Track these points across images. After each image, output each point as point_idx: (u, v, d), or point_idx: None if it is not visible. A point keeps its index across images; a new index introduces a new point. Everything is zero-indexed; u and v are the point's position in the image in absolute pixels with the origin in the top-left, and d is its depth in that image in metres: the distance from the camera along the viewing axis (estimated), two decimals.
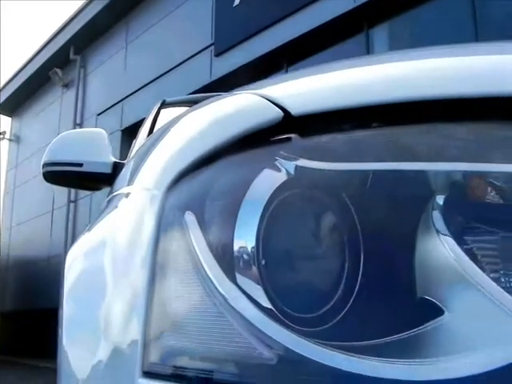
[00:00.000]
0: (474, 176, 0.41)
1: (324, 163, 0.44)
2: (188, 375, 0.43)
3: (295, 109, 0.45)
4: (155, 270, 0.49)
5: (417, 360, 0.35)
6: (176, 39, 7.87)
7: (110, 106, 9.43)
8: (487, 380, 0.31)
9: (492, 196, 0.41)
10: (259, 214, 0.44)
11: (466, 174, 0.41)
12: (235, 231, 0.45)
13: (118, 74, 9.41)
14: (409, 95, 0.42)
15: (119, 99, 9.16)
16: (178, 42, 7.79)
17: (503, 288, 0.35)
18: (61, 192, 9.61)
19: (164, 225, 0.51)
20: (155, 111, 2.13)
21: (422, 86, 0.43)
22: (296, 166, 0.45)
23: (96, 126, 8.95)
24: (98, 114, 9.73)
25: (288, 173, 0.45)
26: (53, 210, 10.57)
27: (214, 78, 7.01)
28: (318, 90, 0.48)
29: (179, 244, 0.49)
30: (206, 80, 7.07)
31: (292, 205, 0.45)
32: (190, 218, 0.49)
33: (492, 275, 0.36)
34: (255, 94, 0.51)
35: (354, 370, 0.36)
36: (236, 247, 0.45)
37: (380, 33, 5.92)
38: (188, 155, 0.53)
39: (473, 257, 0.37)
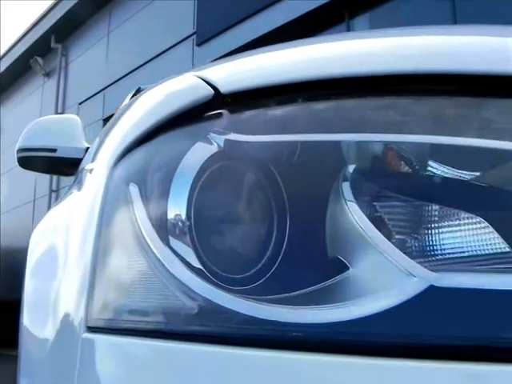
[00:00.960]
0: (383, 146, 0.45)
1: (251, 136, 0.49)
2: (127, 327, 0.48)
3: (224, 87, 0.49)
4: (101, 237, 0.54)
5: (327, 305, 0.40)
6: (158, 28, 7.84)
7: (91, 95, 9.38)
8: (380, 318, 0.36)
9: (398, 166, 0.45)
10: (190, 183, 0.48)
11: (376, 145, 0.45)
12: (169, 200, 0.49)
13: (99, 63, 9.35)
14: (322, 74, 0.46)
15: (101, 88, 9.11)
16: (160, 31, 7.76)
17: (397, 247, 0.39)
18: (43, 181, 9.56)
19: (110, 195, 0.56)
20: (129, 98, 2.16)
21: (337, 66, 0.47)
22: (225, 140, 0.49)
23: (78, 116, 8.88)
24: (80, 103, 9.67)
25: (218, 146, 0.49)
26: (34, 199, 10.51)
27: (196, 67, 7.00)
28: (246, 69, 0.53)
29: (123, 212, 0.53)
30: (187, 69, 7.03)
31: (222, 175, 0.49)
32: (133, 189, 0.53)
33: (389, 236, 0.41)
34: (194, 75, 0.55)
35: (264, 317, 0.40)
36: (170, 214, 0.49)
37: (361, 23, 5.97)
38: (132, 132, 0.57)
39: (374, 220, 0.41)
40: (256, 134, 0.49)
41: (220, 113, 0.50)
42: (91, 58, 9.72)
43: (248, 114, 0.50)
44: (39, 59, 10.67)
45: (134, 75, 8.22)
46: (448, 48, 0.47)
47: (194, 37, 7.20)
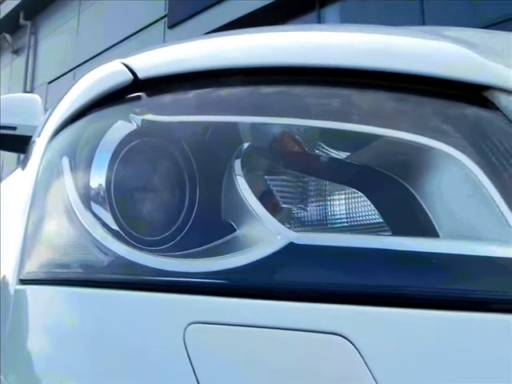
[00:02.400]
0: (274, 129, 0.53)
1: (166, 117, 0.56)
2: (53, 278, 0.55)
3: (142, 73, 0.57)
4: (35, 202, 0.61)
5: (217, 257, 0.48)
6: (130, 10, 7.79)
7: (61, 74, 9.27)
8: (254, 266, 0.44)
9: (284, 145, 0.53)
10: (110, 156, 0.56)
11: (267, 127, 0.53)
12: (92, 171, 0.57)
13: (69, 42, 9.24)
14: (223, 63, 0.54)
15: (71, 68, 9.01)
16: (131, 12, 7.71)
17: (270, 212, 0.47)
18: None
19: (45, 165, 0.63)
20: None
21: (240, 56, 0.55)
22: (143, 120, 0.57)
23: (47, 95, 8.79)
24: (49, 83, 9.55)
25: (137, 125, 0.57)
26: None
27: None
28: (164, 57, 0.60)
29: (55, 180, 0.60)
30: None
31: (139, 150, 0.57)
32: (65, 161, 0.61)
33: (265, 204, 0.49)
34: (120, 61, 0.62)
35: (167, 268, 0.48)
36: (92, 183, 0.57)
37: (331, 13, 6.04)
38: (66, 111, 0.65)
39: (256, 191, 0.50)
40: (170, 115, 0.56)
41: (139, 96, 0.58)
42: (61, 37, 9.58)
43: (163, 97, 0.57)
44: (7, 36, 10.48)
45: (105, 56, 8.15)
46: (333, 44, 0.56)
47: (166, 19, 7.18)
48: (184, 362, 0.39)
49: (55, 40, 9.79)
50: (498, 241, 0.44)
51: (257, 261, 0.43)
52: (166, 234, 0.54)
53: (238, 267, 0.44)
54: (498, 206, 0.44)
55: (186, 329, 0.40)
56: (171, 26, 7.10)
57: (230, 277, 0.43)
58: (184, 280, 0.45)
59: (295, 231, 0.45)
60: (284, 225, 0.46)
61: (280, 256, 0.43)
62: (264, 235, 0.46)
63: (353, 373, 0.37)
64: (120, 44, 7.96)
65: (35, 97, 1.59)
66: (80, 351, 0.48)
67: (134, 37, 7.71)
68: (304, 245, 0.43)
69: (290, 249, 0.43)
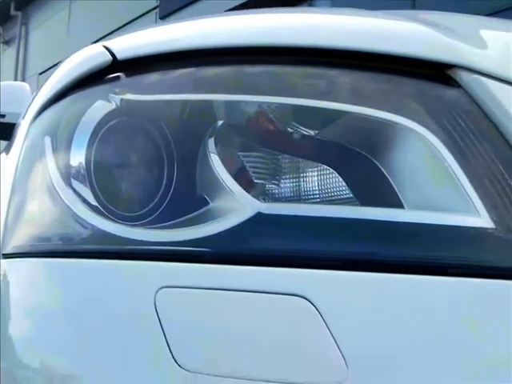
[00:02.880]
0: (247, 107, 0.55)
1: (144, 96, 0.58)
2: (35, 251, 0.57)
3: (120, 54, 0.59)
4: (18, 179, 0.63)
5: (190, 227, 0.49)
6: (121, 0, 7.75)
7: (52, 65, 9.21)
8: (226, 234, 0.46)
9: (261, 123, 0.55)
10: (89, 135, 0.58)
11: (243, 105, 0.55)
12: (72, 149, 0.58)
13: (61, 33, 9.18)
14: (199, 44, 0.56)
15: (62, 59, 8.95)
16: (122, 3, 7.67)
17: (244, 189, 0.49)
18: None
19: (29, 145, 0.65)
20: None
21: (214, 38, 0.57)
22: (122, 99, 0.58)
23: (38, 86, 8.74)
24: (40, 73, 9.50)
25: (116, 104, 0.58)
26: None
27: None
28: (142, 39, 0.62)
29: (37, 159, 0.62)
30: None
31: (119, 128, 0.58)
32: (47, 140, 0.62)
33: (240, 181, 0.50)
34: (101, 44, 0.64)
35: (144, 239, 0.50)
36: (73, 161, 0.58)
37: (323, 4, 6.05)
38: (48, 92, 0.66)
39: (228, 167, 0.51)
40: (148, 94, 0.58)
41: (118, 76, 0.60)
42: (52, 28, 9.53)
43: (141, 77, 0.59)
44: None
45: None
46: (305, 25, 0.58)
47: (157, 10, 7.16)
48: (154, 325, 0.41)
49: (46, 31, 9.73)
50: (458, 211, 0.46)
51: (226, 230, 0.45)
52: (145, 210, 0.55)
53: (208, 236, 0.46)
54: (458, 180, 0.47)
55: (156, 293, 0.42)
56: (163, 17, 7.07)
57: (201, 245, 0.46)
58: (157, 248, 0.47)
59: (264, 202, 0.47)
60: (253, 197, 0.48)
61: (248, 225, 0.45)
62: (234, 207, 0.48)
63: (313, 331, 0.39)
64: (111, 35, 7.92)
65: (24, 85, 1.61)
66: (61, 320, 0.50)
67: (125, 27, 7.67)
68: (271, 214, 0.46)
69: (258, 218, 0.45)
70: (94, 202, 0.56)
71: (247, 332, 0.41)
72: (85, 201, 0.56)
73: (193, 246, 0.46)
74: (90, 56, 0.62)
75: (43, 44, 9.70)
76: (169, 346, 0.40)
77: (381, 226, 0.46)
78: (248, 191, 0.48)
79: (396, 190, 0.48)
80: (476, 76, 0.49)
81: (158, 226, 0.51)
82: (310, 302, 0.40)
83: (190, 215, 0.51)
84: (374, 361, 0.39)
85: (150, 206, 0.55)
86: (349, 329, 0.39)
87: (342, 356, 0.38)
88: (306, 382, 0.38)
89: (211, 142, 0.53)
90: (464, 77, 0.49)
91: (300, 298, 0.40)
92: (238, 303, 0.41)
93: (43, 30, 9.84)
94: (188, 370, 0.39)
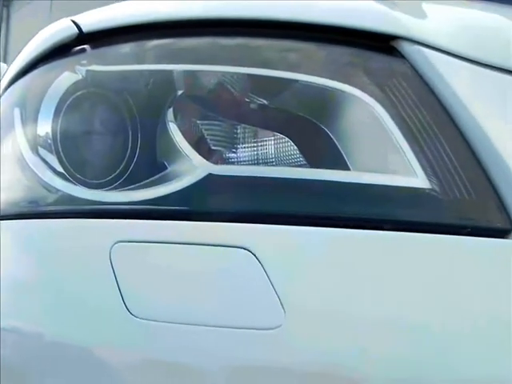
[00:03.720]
0: (208, 76, 0.58)
1: (108, 67, 0.61)
2: (4, 214, 0.60)
3: (86, 27, 0.61)
4: None
5: (148, 188, 0.52)
6: None
7: None
8: (180, 194, 0.49)
9: (218, 92, 0.58)
10: (55, 105, 0.60)
11: (202, 75, 0.58)
12: (39, 118, 0.61)
13: (43, 16, 9.06)
14: (157, 17, 0.59)
15: None
16: None
17: (194, 149, 0.52)
18: None
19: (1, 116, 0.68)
20: None
21: (173, 11, 0.60)
22: (87, 70, 0.61)
23: None
24: None
25: (82, 75, 0.61)
26: None
27: None
28: (108, 14, 0.64)
29: (7, 129, 0.65)
30: None
31: (85, 99, 0.61)
32: (16, 111, 0.65)
33: (195, 147, 0.53)
34: (70, 18, 0.67)
35: (105, 200, 0.53)
36: (40, 130, 0.61)
37: None
38: (18, 65, 0.69)
39: (185, 134, 0.54)
40: (112, 66, 0.61)
41: (84, 49, 0.62)
42: (34, 11, 9.40)
43: (106, 49, 0.62)
44: None
45: None
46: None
47: None
48: (109, 277, 0.44)
49: (28, 13, 9.60)
50: (397, 173, 0.50)
51: (179, 190, 0.49)
52: (110, 176, 0.58)
53: (162, 196, 0.49)
54: (398, 143, 0.50)
55: (112, 247, 0.45)
56: None
57: (155, 204, 0.49)
58: (115, 207, 0.50)
59: (215, 165, 0.51)
60: (206, 160, 0.51)
61: (199, 185, 0.48)
62: (189, 170, 0.51)
63: (253, 280, 0.43)
64: None
65: (2, 65, 1.62)
66: (28, 277, 0.53)
67: None
68: (221, 175, 0.49)
69: (209, 179, 0.49)
70: (60, 169, 0.59)
71: (194, 281, 0.44)
72: (51, 168, 0.59)
73: (148, 205, 0.49)
74: (58, 30, 0.64)
75: (25, 27, 9.57)
76: (122, 296, 0.43)
77: (325, 186, 0.49)
78: (202, 155, 0.52)
79: (342, 153, 0.52)
80: (417, 47, 0.52)
81: (118, 188, 0.54)
82: (251, 253, 0.43)
83: (150, 179, 0.54)
84: (309, 307, 0.42)
85: (115, 172, 0.58)
86: (287, 277, 0.43)
87: (280, 302, 0.42)
88: (246, 326, 0.42)
89: (170, 111, 0.56)
90: (406, 47, 0.53)
91: (243, 250, 0.43)
92: (187, 255, 0.45)
93: (25, 12, 9.70)
94: (140, 318, 0.43)
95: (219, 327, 0.42)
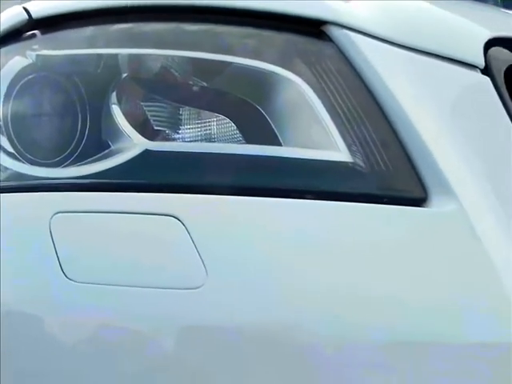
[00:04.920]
0: (152, 60, 0.61)
1: (57, 51, 0.64)
2: None
3: (35, 13, 0.64)
4: None
5: (92, 163, 0.55)
6: None
7: None
8: (119, 169, 0.52)
9: (161, 75, 0.61)
10: (6, 88, 0.63)
11: (146, 59, 0.61)
12: None
13: None
14: (104, 4, 0.62)
15: None
16: None
17: (132, 127, 0.55)
18: None
19: None
20: None
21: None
22: (37, 55, 0.64)
23: None
24: None
25: (32, 60, 0.64)
26: None
27: None
28: (57, 1, 0.67)
29: None
30: None
31: (35, 82, 0.64)
32: None
33: (135, 126, 0.56)
34: (20, 5, 0.69)
35: (53, 175, 0.56)
36: None
37: None
38: None
39: (127, 116, 0.57)
40: (61, 50, 0.64)
41: (34, 34, 0.65)
42: None
43: (55, 34, 0.64)
44: None
45: None
46: None
47: None
48: (48, 244, 0.47)
49: None
50: (323, 148, 0.53)
51: (118, 165, 0.52)
52: (60, 157, 0.61)
53: (102, 171, 0.52)
54: (324, 121, 0.54)
55: (52, 217, 0.48)
56: None
57: (95, 177, 0.52)
58: (57, 182, 0.53)
59: (152, 141, 0.54)
60: (144, 138, 0.54)
61: (136, 160, 0.52)
62: (128, 147, 0.54)
63: (180, 245, 0.46)
64: None
65: None
66: None
67: None
68: (156, 151, 0.52)
69: (145, 154, 0.52)
70: (10, 150, 0.62)
71: (127, 247, 0.47)
72: (2, 148, 0.62)
73: (88, 179, 0.52)
74: (9, 16, 0.67)
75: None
76: (60, 262, 0.46)
77: (257, 160, 0.53)
78: (141, 134, 0.55)
79: (275, 130, 0.55)
80: (344, 31, 0.56)
81: (64, 165, 0.57)
82: (179, 220, 0.46)
83: (94, 157, 0.57)
84: (229, 269, 0.46)
85: (65, 152, 0.61)
86: (210, 242, 0.46)
87: (203, 264, 0.45)
88: (172, 286, 0.45)
89: (114, 93, 0.59)
90: (334, 32, 0.56)
91: (171, 217, 0.47)
92: (121, 223, 0.48)
93: None
94: (76, 282, 0.46)
95: (148, 288, 0.45)
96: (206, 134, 0.56)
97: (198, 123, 0.56)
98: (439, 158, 0.52)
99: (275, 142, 0.55)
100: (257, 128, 0.57)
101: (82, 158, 0.58)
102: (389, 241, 0.50)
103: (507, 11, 0.93)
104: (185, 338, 0.45)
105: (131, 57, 0.61)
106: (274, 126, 0.56)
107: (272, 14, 0.58)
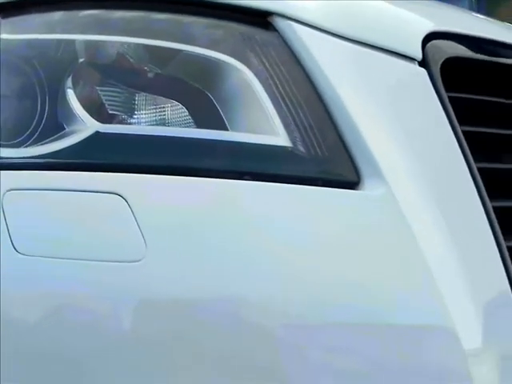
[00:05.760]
0: (108, 46, 0.64)
1: (19, 36, 0.66)
2: None
3: None
4: None
5: (46, 145, 0.58)
6: None
7: None
8: (72, 149, 0.55)
9: (116, 61, 0.64)
10: None
11: (102, 45, 0.64)
12: None
13: None
14: None
15: None
16: None
17: (90, 115, 0.58)
18: None
19: None
20: None
21: None
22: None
23: None
24: None
25: None
26: None
27: None
28: None
29: None
30: None
31: None
32: None
33: (90, 109, 0.59)
34: None
35: (19, 155, 0.58)
36: None
37: None
38: None
39: (81, 100, 0.60)
40: (22, 34, 0.66)
41: None
42: None
43: (16, 19, 0.67)
44: None
45: None
46: None
47: None
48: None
49: None
50: (265, 133, 0.57)
51: (70, 145, 0.55)
52: (19, 139, 0.64)
53: (54, 151, 0.55)
54: (267, 108, 0.57)
55: (4, 194, 0.51)
56: None
57: (47, 157, 0.55)
58: (10, 161, 0.56)
59: (103, 123, 0.57)
60: (96, 120, 0.57)
61: (87, 141, 0.55)
62: (81, 129, 0.57)
63: (122, 221, 0.50)
64: None
65: None
66: None
67: None
68: (107, 132, 0.55)
69: (96, 136, 0.55)
70: None
71: (73, 222, 0.51)
72: None
73: (40, 159, 0.55)
74: None
75: None
76: (10, 237, 0.49)
77: (200, 143, 0.56)
78: (93, 117, 0.58)
79: (222, 115, 0.58)
80: (289, 22, 0.59)
81: (24, 146, 0.60)
82: (123, 198, 0.50)
83: (49, 139, 0.60)
84: (168, 243, 0.50)
85: (25, 134, 0.63)
86: (151, 219, 0.50)
87: (143, 239, 0.49)
88: (111, 259, 0.49)
89: (70, 78, 0.61)
90: (279, 23, 0.59)
91: (115, 195, 0.50)
92: (69, 200, 0.51)
93: None
94: (25, 255, 0.49)
95: (93, 261, 0.49)
96: (159, 120, 0.59)
97: (151, 108, 0.59)
98: (372, 144, 0.55)
99: (222, 126, 0.58)
100: (206, 113, 0.60)
101: (39, 140, 0.61)
102: (321, 221, 0.54)
103: (468, 11, 0.97)
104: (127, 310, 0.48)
105: (88, 43, 0.64)
106: (221, 112, 0.59)
107: (222, 5, 0.61)
